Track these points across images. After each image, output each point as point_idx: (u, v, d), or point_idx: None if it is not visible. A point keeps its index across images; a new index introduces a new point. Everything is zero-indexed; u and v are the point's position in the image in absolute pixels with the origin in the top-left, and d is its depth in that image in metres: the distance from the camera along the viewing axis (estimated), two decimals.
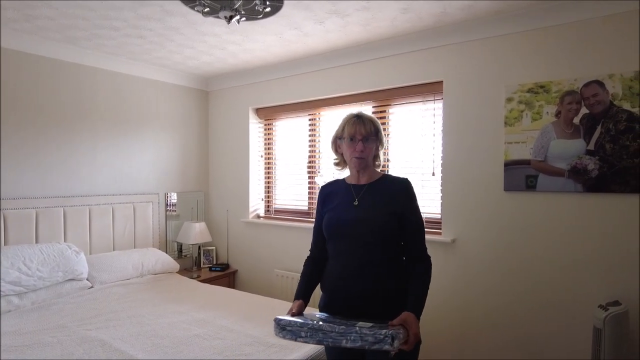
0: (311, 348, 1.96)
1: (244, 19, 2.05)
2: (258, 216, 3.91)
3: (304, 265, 1.71)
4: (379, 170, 1.68)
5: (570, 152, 2.32)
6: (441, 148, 2.78)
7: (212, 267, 3.88)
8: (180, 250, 3.92)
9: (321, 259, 1.68)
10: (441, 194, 2.78)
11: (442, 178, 2.77)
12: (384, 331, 1.28)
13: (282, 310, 1.99)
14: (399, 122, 3.07)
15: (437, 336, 2.74)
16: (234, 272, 3.94)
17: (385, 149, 1.75)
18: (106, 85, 3.33)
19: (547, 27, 2.38)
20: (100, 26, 2.65)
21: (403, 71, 2.90)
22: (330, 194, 1.69)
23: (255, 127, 3.89)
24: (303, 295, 1.61)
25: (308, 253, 1.74)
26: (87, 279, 2.84)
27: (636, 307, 2.13)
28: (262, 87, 3.73)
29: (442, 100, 2.78)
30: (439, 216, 2.83)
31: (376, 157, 1.64)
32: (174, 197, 3.89)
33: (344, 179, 1.70)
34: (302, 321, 1.39)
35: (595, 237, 2.26)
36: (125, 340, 2.06)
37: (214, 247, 4.04)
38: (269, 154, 3.89)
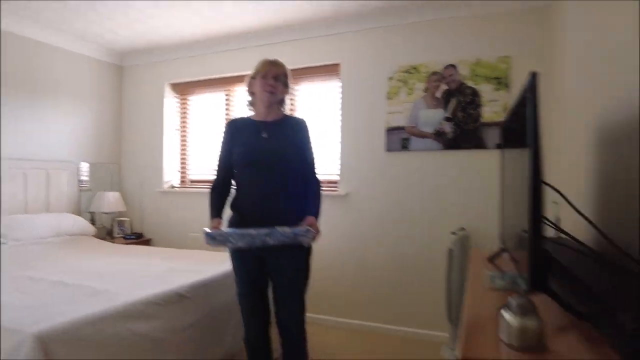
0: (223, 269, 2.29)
1: None
2: (172, 186, 4.13)
3: (211, 194, 1.98)
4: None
5: (434, 120, 3.00)
6: (340, 119, 3.34)
7: (126, 236, 4.01)
8: (92, 221, 3.98)
9: (227, 187, 1.98)
10: (340, 157, 3.33)
11: (341, 143, 3.32)
12: (301, 228, 1.72)
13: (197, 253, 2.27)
14: (306, 99, 3.56)
15: (335, 271, 3.27)
16: (148, 240, 4.11)
17: (291, 96, 2.09)
18: (17, 50, 3.34)
19: (420, 22, 3.06)
20: None
21: (308, 53, 3.42)
22: (238, 128, 1.99)
23: (171, 101, 4.12)
24: (218, 214, 1.92)
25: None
26: None
27: (475, 231, 2.86)
28: (179, 64, 3.99)
29: (339, 79, 3.34)
30: (338, 177, 3.37)
31: (282, 100, 2.00)
32: (87, 168, 3.95)
33: (249, 117, 2.01)
34: (229, 230, 1.76)
35: (451, 181, 2.97)
36: (54, 274, 2.17)
37: (128, 219, 4.17)
38: (184, 127, 4.14)
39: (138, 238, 4.01)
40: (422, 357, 2.71)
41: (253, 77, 1.96)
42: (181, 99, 4.14)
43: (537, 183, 1.01)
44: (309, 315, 3.28)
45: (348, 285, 3.26)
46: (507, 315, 0.96)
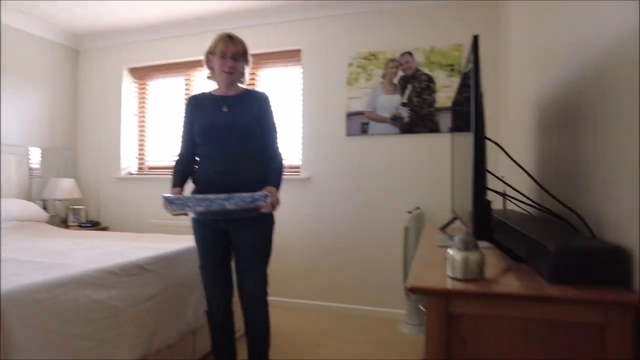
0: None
1: None
2: (130, 173, 4.05)
3: (175, 166, 2.00)
4: (243, 86, 2.07)
5: (391, 105, 3.12)
6: (301, 104, 3.40)
7: (81, 224, 3.89)
8: (45, 209, 3.84)
9: (190, 160, 1.99)
10: (301, 141, 3.39)
11: (302, 128, 3.38)
12: (260, 193, 1.76)
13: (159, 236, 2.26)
14: (267, 84, 3.60)
15: (295, 253, 3.33)
16: (105, 229, 4.00)
17: (250, 69, 2.09)
18: None
19: (378, 10, 3.17)
20: None
21: (269, 39, 3.45)
22: (198, 103, 2.01)
23: (130, 86, 4.04)
24: (180, 184, 1.94)
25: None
26: None
27: (430, 210, 3.01)
28: (138, 47, 3.92)
29: (301, 65, 3.40)
30: (300, 162, 3.43)
31: (242, 74, 2.03)
32: (38, 153, 3.81)
33: (210, 92, 2.03)
34: (187, 197, 1.77)
35: (407, 164, 3.10)
36: (5, 252, 2.07)
37: (83, 207, 4.04)
38: (142, 113, 4.07)
39: (94, 226, 3.90)
40: (381, 334, 2.81)
41: (211, 53, 1.96)
42: (140, 84, 4.07)
43: (479, 135, 1.12)
44: (269, 298, 3.33)
45: (308, 268, 3.33)
46: (451, 251, 1.06)
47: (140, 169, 4.08)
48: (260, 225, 1.96)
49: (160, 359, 1.98)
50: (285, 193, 3.32)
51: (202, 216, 1.92)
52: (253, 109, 1.98)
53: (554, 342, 0.94)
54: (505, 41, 2.67)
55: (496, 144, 1.16)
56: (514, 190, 1.45)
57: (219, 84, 2.01)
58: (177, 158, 2.03)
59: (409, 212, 2.85)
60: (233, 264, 2.04)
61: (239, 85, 2.05)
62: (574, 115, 1.33)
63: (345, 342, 2.65)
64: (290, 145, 3.47)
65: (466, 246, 1.03)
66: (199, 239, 1.98)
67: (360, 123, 3.19)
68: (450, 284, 1.01)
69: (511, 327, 0.96)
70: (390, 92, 3.12)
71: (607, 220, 1.08)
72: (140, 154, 4.08)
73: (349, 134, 3.22)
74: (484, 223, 1.14)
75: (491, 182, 1.20)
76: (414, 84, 3.06)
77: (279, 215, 3.31)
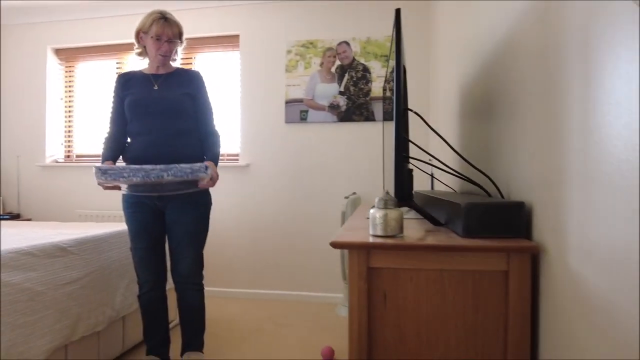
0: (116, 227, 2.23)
1: None
2: (56, 161, 3.80)
3: (105, 143, 1.93)
4: (175, 64, 2.03)
5: (329, 93, 3.18)
6: (239, 90, 3.36)
7: None
8: None
9: (121, 138, 1.94)
10: (240, 128, 3.36)
11: (241, 115, 3.35)
12: (199, 164, 1.72)
13: (88, 224, 2.19)
14: (205, 68, 3.52)
15: (233, 241, 3.29)
16: (27, 221, 3.72)
17: (183, 48, 2.05)
18: None
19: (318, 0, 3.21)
20: None
21: (206, 22, 3.39)
22: (129, 80, 1.95)
23: (55, 68, 3.79)
24: (111, 158, 1.87)
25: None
26: None
27: (365, 194, 3.10)
28: (64, 27, 3.68)
29: (239, 51, 3.37)
30: (239, 149, 3.39)
31: (175, 52, 2.00)
32: None
33: (140, 70, 1.98)
34: (122, 166, 1.69)
35: (344, 151, 3.17)
36: None
37: (0, 197, 3.74)
38: (70, 97, 3.83)
39: (13, 219, 3.62)
40: (319, 318, 2.86)
41: (144, 32, 1.91)
42: (67, 66, 3.82)
43: (399, 103, 1.17)
44: (206, 289, 3.27)
45: (247, 256, 3.31)
46: (372, 210, 1.11)
47: (67, 156, 3.84)
48: (196, 206, 1.93)
49: (86, 347, 1.89)
50: (224, 180, 3.30)
51: (137, 190, 1.86)
52: (184, 86, 1.95)
53: (465, 291, 1.01)
54: (435, 34, 2.82)
55: (416, 113, 1.23)
56: (440, 163, 1.54)
57: (150, 63, 1.98)
58: (107, 136, 1.96)
59: (346, 198, 2.92)
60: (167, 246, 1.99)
61: (171, 63, 2.01)
62: (488, 98, 1.44)
63: (283, 327, 2.66)
64: (229, 133, 3.42)
65: (385, 204, 1.08)
66: (130, 218, 1.91)
67: (299, 110, 3.22)
68: (371, 239, 1.06)
69: (427, 278, 1.03)
70: (328, 80, 3.17)
71: (513, 184, 1.19)
72: (67, 141, 3.84)
73: (288, 121, 3.24)
74: (403, 186, 1.20)
75: (422, 166, 1.27)
76: (350, 73, 3.14)
77: (217, 202, 3.27)
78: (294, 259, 3.24)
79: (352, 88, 3.13)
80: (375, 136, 3.11)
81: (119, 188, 1.83)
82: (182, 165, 1.68)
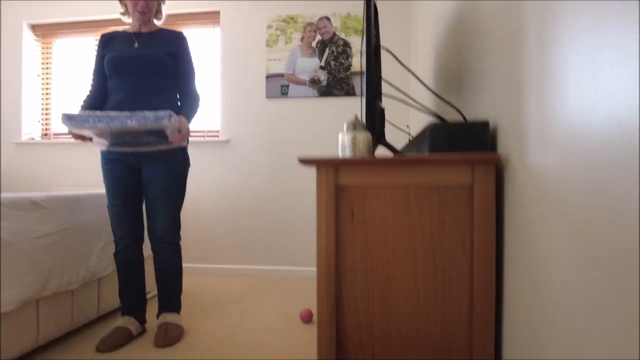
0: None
1: None
2: (32, 138, 3.73)
3: (84, 99, 1.93)
4: (159, 23, 2.05)
5: (310, 68, 3.19)
6: (220, 66, 3.35)
7: None
8: None
9: (100, 95, 1.94)
10: (220, 103, 3.35)
11: (221, 90, 3.34)
12: (163, 112, 1.69)
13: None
14: None
15: (213, 217, 3.28)
16: None
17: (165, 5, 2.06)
18: None
19: None
20: None
21: None
22: (111, 39, 1.96)
23: (32, 44, 3.72)
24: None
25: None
26: None
27: None
28: (41, 1, 3.62)
29: (220, 26, 3.36)
30: (219, 125, 3.38)
31: (159, 11, 2.01)
32: None
33: (124, 30, 1.99)
34: (88, 113, 1.67)
35: (324, 126, 3.18)
36: None
37: None
38: (47, 74, 3.77)
39: None
40: (298, 290, 2.86)
41: None
42: (44, 42, 3.76)
43: (370, 42, 1.19)
44: (187, 265, 3.26)
45: (226, 231, 3.29)
46: (341, 134, 1.12)
47: (45, 134, 3.77)
48: (171, 165, 1.92)
49: (58, 305, 1.86)
50: (204, 156, 3.28)
51: (112, 146, 1.85)
52: (166, 45, 1.95)
53: (430, 206, 1.03)
54: (415, 15, 2.85)
55: (388, 50, 1.24)
56: (414, 102, 1.56)
57: (133, 22, 1.99)
58: (88, 95, 1.97)
59: None
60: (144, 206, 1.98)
61: (155, 22, 2.02)
62: (459, 72, 1.46)
63: (263, 296, 2.66)
64: (209, 110, 3.41)
65: (354, 126, 1.10)
66: (107, 174, 1.90)
67: (280, 85, 3.22)
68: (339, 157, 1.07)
69: (394, 195, 1.04)
70: (309, 55, 3.18)
71: (481, 114, 1.21)
72: (45, 119, 3.77)
73: (269, 96, 3.24)
74: (375, 124, 1.22)
75: (401, 127, 1.28)
76: (331, 48, 3.15)
77: (197, 177, 3.25)
78: (275, 234, 3.23)
79: (332, 63, 3.15)
80: (355, 110, 3.13)
81: (90, 140, 1.81)
82: (147, 112, 1.65)
